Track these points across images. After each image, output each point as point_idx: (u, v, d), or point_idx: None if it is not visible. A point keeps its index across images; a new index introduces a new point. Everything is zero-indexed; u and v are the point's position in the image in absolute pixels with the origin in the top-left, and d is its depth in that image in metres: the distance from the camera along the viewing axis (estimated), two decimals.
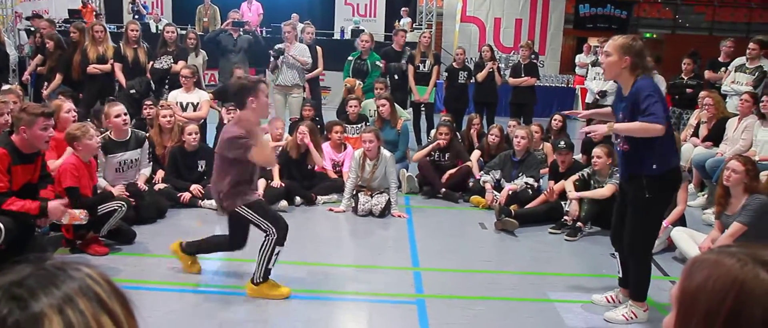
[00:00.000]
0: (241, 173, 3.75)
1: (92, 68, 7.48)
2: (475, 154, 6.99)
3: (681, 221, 5.06)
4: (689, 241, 4.70)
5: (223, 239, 4.15)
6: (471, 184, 6.50)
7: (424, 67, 8.49)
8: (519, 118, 8.17)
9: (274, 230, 3.74)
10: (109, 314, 0.79)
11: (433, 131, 7.81)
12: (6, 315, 0.74)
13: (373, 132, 5.94)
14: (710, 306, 0.94)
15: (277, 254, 3.78)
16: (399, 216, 5.76)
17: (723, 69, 8.05)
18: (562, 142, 6.03)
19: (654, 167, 3.39)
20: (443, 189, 6.40)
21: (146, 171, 5.59)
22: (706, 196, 6.52)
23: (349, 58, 8.48)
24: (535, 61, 9.40)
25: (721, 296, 0.93)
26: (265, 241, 3.76)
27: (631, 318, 3.63)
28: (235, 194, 3.76)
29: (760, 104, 6.37)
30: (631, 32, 11.74)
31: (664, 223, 4.88)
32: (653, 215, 3.59)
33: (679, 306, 0.99)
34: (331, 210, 5.89)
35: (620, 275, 3.87)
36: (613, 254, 4.05)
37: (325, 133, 6.88)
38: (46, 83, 7.92)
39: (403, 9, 14.71)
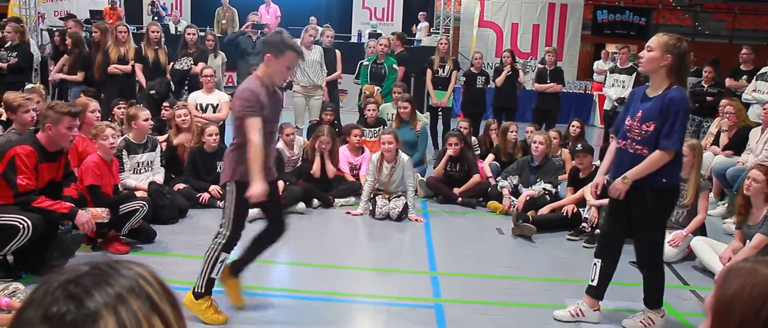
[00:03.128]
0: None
1: (113, 68, 7.57)
2: (489, 157, 6.99)
3: (701, 231, 5.01)
4: (709, 250, 4.67)
5: (260, 238, 3.74)
6: (489, 189, 6.48)
7: (444, 72, 8.52)
8: (541, 125, 8.12)
9: (227, 232, 3.41)
10: (159, 314, 0.80)
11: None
12: (64, 313, 0.75)
13: (392, 134, 5.95)
14: (746, 314, 0.93)
15: (222, 262, 3.45)
16: (416, 220, 5.76)
17: (744, 77, 7.98)
18: (580, 146, 6.00)
19: (663, 180, 3.38)
20: (459, 198, 6.38)
21: (159, 177, 5.61)
22: (726, 205, 6.46)
23: (365, 62, 8.50)
24: (560, 67, 9.33)
25: (758, 304, 0.93)
26: (213, 242, 3.44)
27: (649, 324, 3.62)
28: (235, 164, 3.38)
29: None
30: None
31: (684, 231, 4.84)
32: (656, 226, 3.56)
33: (714, 315, 0.99)
34: (348, 213, 5.90)
35: (592, 283, 3.71)
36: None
37: (343, 136, 6.90)
38: (65, 77, 8.01)
39: (420, 13, 14.72)
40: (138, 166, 5.54)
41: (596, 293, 3.72)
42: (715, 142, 7.17)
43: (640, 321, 3.64)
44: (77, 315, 0.75)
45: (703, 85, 8.18)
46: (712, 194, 6.89)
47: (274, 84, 3.47)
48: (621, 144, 3.53)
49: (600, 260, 3.68)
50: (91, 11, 12.58)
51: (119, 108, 6.57)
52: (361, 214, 5.87)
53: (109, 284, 0.78)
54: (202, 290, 3.44)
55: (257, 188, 3.23)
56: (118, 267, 0.82)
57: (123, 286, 0.79)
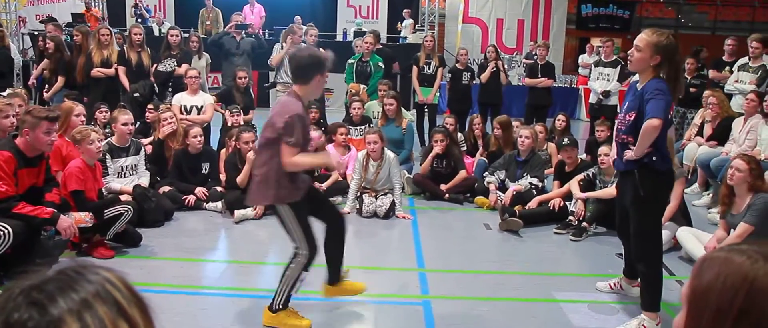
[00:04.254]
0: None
1: (96, 72, 7.50)
2: (477, 155, 7.01)
3: (687, 221, 5.05)
4: (694, 240, 4.70)
5: (329, 242, 3.61)
6: (475, 185, 6.49)
7: (429, 69, 8.52)
8: (534, 121, 8.14)
9: (305, 251, 3.33)
10: (127, 319, 0.78)
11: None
12: (25, 320, 0.73)
13: (377, 133, 5.94)
14: (721, 304, 0.93)
15: (303, 281, 3.43)
16: (403, 217, 5.76)
17: (727, 68, 8.04)
18: (566, 139, 6.03)
19: (651, 160, 3.37)
20: (447, 195, 6.39)
21: (144, 180, 5.57)
22: (711, 195, 6.50)
23: (350, 61, 8.48)
24: (551, 62, 9.35)
25: (731, 294, 0.92)
26: (292, 262, 3.38)
27: None
28: (276, 188, 3.27)
29: (764, 104, 6.36)
30: (633, 32, 11.76)
31: None
32: (653, 213, 3.55)
33: (689, 305, 0.98)
34: None
35: (625, 265, 4.00)
36: (619, 253, 4.09)
37: (329, 135, 6.88)
38: (46, 86, 7.95)
39: (405, 10, 14.72)
40: (122, 169, 5.50)
41: (629, 272, 3.99)
42: (699, 133, 7.23)
43: None
44: (39, 322, 0.73)
45: (687, 76, 8.22)
46: (696, 185, 6.96)
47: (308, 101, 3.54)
48: (617, 138, 3.60)
49: (623, 242, 3.90)
50: (73, 14, 12.48)
51: (101, 112, 6.51)
52: (348, 212, 5.85)
53: (74, 289, 0.77)
54: (280, 306, 3.44)
55: (332, 158, 3.50)
56: (84, 272, 0.80)
57: (89, 291, 0.77)
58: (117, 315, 0.77)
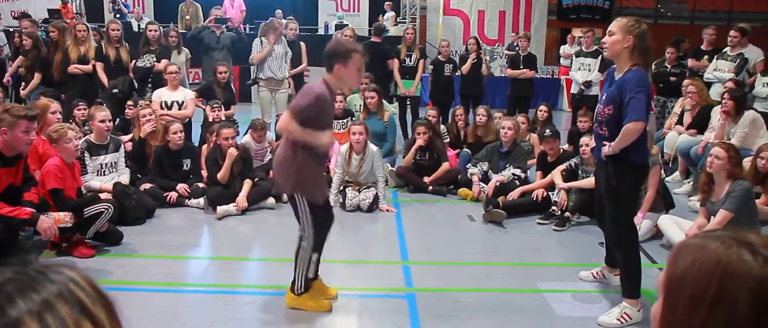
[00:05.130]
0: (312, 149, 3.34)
1: (73, 68, 7.39)
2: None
3: (668, 203, 5.14)
4: (676, 228, 4.75)
5: (307, 243, 3.54)
6: (459, 177, 6.50)
7: (410, 61, 8.50)
8: (517, 112, 8.16)
9: (311, 235, 3.46)
10: (91, 319, 0.76)
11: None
12: None
13: (362, 125, 5.92)
14: (695, 291, 0.91)
15: (315, 262, 3.57)
16: (387, 210, 5.75)
17: (705, 57, 8.12)
18: (548, 131, 6.06)
19: (627, 155, 3.41)
20: (430, 187, 6.39)
21: (125, 178, 5.49)
22: (691, 183, 6.57)
23: None
24: (533, 53, 9.37)
25: (705, 280, 0.91)
26: (299, 247, 3.51)
27: (626, 320, 3.53)
28: (295, 176, 3.37)
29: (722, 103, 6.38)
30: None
31: (639, 213, 4.88)
32: (626, 202, 3.60)
33: (665, 293, 0.97)
34: None
35: (606, 254, 4.07)
36: (601, 242, 4.14)
37: None
38: (23, 83, 7.82)
39: (386, 3, 14.68)
40: (101, 167, 5.42)
41: (610, 260, 4.05)
42: (680, 121, 7.29)
43: (617, 318, 3.55)
44: None
45: (667, 65, 8.29)
46: (677, 173, 7.03)
47: (338, 90, 3.50)
48: (596, 128, 3.64)
49: (604, 232, 3.95)
50: (49, 10, 12.27)
51: (79, 109, 6.42)
52: (331, 206, 5.83)
53: (34, 290, 0.74)
54: (302, 290, 3.59)
55: (324, 137, 3.31)
56: (46, 272, 0.77)
57: (50, 291, 0.75)
58: (80, 315, 0.75)
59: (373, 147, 5.97)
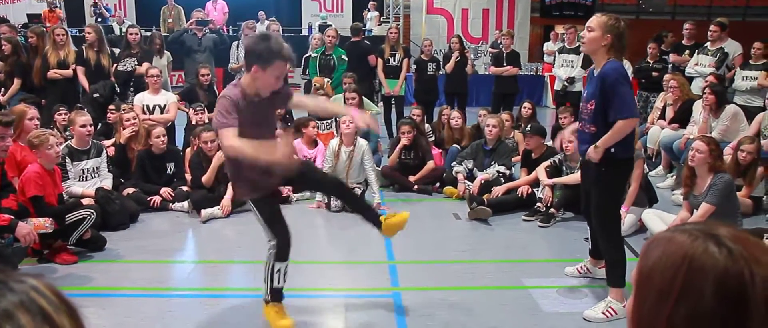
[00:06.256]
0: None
1: (53, 73, 7.31)
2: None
3: (651, 196, 5.18)
4: (659, 222, 4.78)
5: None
6: (444, 175, 6.50)
7: (394, 60, 8.49)
8: (501, 109, 8.19)
9: (274, 241, 3.31)
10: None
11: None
12: None
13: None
14: (662, 285, 0.90)
15: (278, 271, 3.35)
16: (378, 205, 5.72)
17: (687, 52, 8.20)
18: (530, 127, 6.09)
19: (611, 151, 3.43)
20: (416, 186, 6.39)
21: (107, 183, 5.43)
22: (674, 177, 6.62)
23: (312, 55, 8.42)
24: (517, 50, 9.41)
25: (671, 274, 0.90)
26: (267, 255, 3.36)
27: (611, 314, 3.54)
28: (242, 180, 3.23)
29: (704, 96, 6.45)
30: None
31: (623, 207, 4.90)
32: (613, 196, 3.63)
33: (636, 287, 0.96)
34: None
35: (590, 247, 4.07)
36: (587, 237, 4.15)
37: (295, 130, 6.82)
38: (2, 89, 7.72)
39: (370, 3, 14.67)
40: (83, 173, 5.36)
41: (594, 252, 4.05)
42: (662, 116, 7.35)
43: (602, 312, 3.57)
44: None
45: (649, 61, 8.36)
46: (660, 167, 7.09)
47: (254, 93, 3.10)
48: (579, 126, 3.66)
49: (588, 224, 3.97)
50: (28, 15, 12.14)
51: (60, 114, 6.35)
52: (318, 206, 5.82)
53: None
54: (269, 299, 3.44)
55: (278, 147, 2.98)
56: (7, 281, 0.76)
57: (11, 301, 0.73)
58: (42, 324, 0.73)
59: (362, 141, 5.97)
